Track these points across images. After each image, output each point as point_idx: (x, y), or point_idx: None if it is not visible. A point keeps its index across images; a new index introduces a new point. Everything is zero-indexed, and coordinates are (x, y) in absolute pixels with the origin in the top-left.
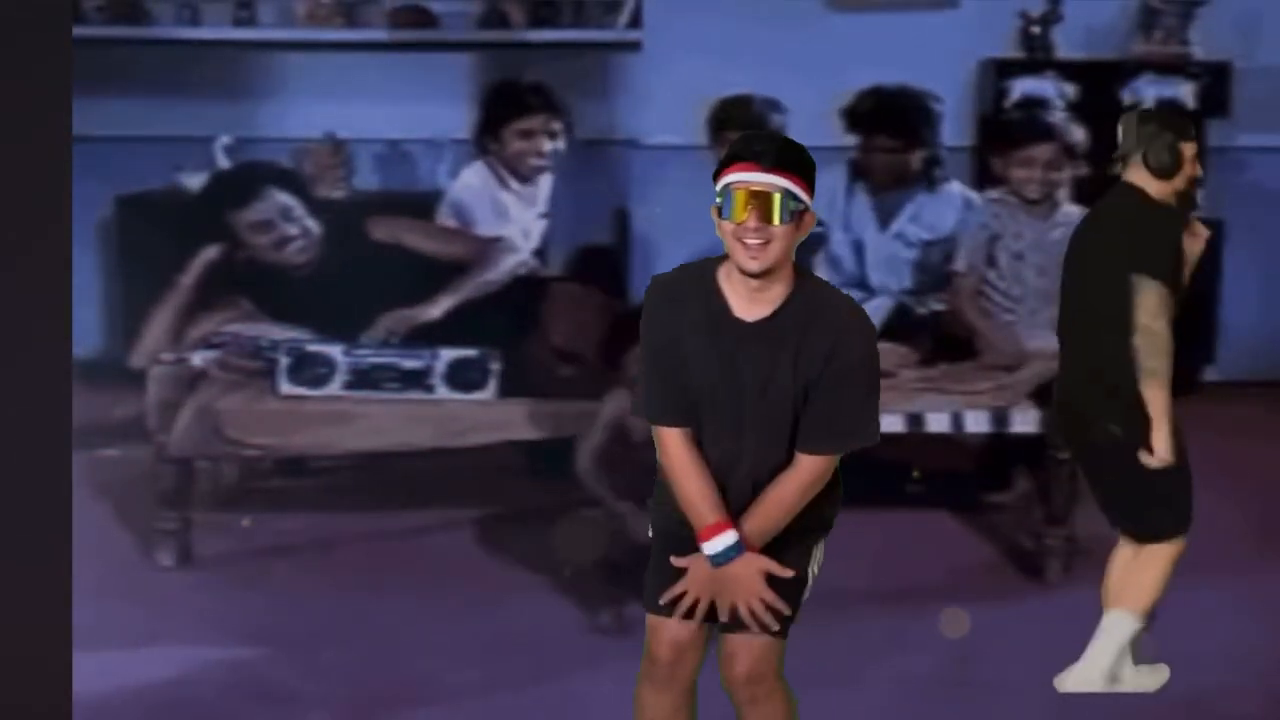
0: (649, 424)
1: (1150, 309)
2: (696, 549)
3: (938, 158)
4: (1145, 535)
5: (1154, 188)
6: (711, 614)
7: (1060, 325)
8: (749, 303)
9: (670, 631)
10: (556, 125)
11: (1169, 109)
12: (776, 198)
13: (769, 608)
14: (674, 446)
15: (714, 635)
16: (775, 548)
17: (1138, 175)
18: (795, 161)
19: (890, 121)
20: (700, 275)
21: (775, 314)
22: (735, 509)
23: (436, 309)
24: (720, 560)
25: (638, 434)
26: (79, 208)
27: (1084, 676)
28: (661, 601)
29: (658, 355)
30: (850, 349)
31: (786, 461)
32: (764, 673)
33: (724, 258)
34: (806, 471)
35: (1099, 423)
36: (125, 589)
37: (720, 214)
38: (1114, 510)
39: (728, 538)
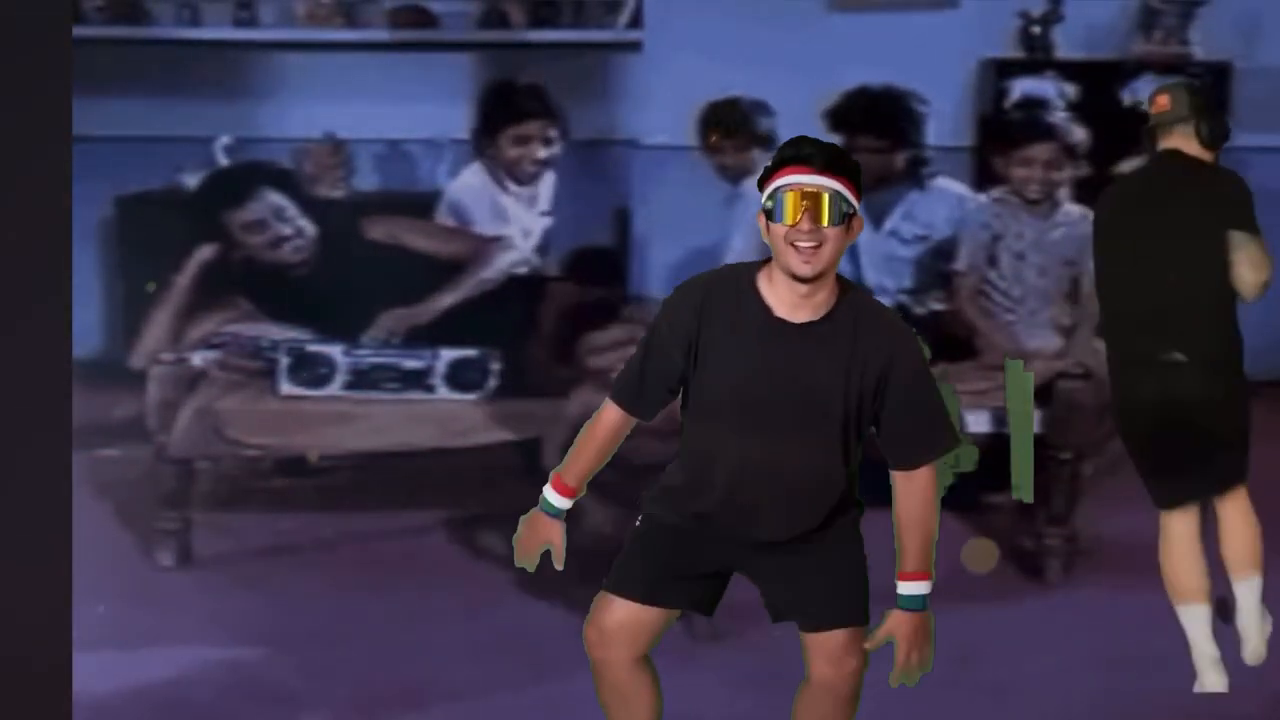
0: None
1: (1257, 262)
2: (702, 545)
3: (924, 157)
4: (1239, 479)
5: (1205, 157)
6: (670, 601)
7: (1125, 296)
8: (793, 307)
9: (618, 613)
10: (552, 131)
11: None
12: (827, 198)
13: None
14: (607, 419)
15: (665, 625)
16: (834, 542)
17: (1186, 144)
18: (845, 165)
19: (874, 122)
20: (738, 279)
21: (825, 318)
22: (781, 520)
23: (435, 308)
24: (544, 508)
25: None
26: (79, 208)
27: (1260, 648)
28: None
29: (655, 350)
30: (911, 356)
31: (828, 468)
32: (853, 663)
33: (760, 264)
34: (927, 483)
35: (1190, 385)
36: (125, 589)
37: (770, 218)
38: (1211, 474)
39: (563, 501)
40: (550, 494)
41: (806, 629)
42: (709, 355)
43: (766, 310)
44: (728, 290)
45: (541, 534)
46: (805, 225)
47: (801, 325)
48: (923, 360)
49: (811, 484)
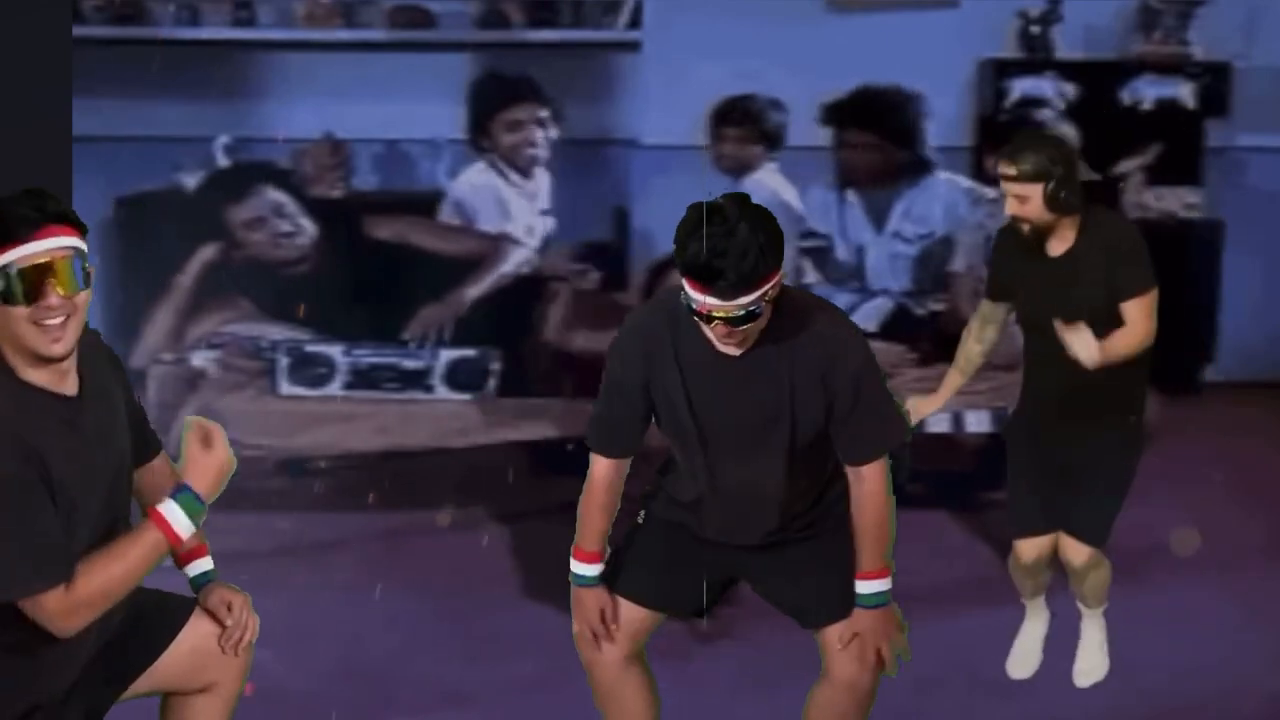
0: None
1: None
2: (700, 547)
3: (919, 155)
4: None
5: None
6: (662, 601)
7: None
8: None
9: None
10: (543, 113)
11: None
12: (742, 314)
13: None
14: (600, 475)
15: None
16: (828, 536)
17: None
18: (757, 276)
19: (868, 120)
20: (676, 315)
21: (761, 342)
22: (757, 527)
23: (463, 303)
24: (578, 582)
25: None
26: (79, 208)
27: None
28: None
29: (617, 391)
30: (848, 359)
31: (795, 476)
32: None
33: None
34: (876, 479)
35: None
36: None
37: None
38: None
39: (593, 569)
40: (580, 567)
41: (819, 625)
42: (663, 392)
43: (707, 343)
44: (667, 328)
45: (593, 605)
46: (725, 334)
47: (740, 358)
48: (862, 360)
49: (779, 494)
